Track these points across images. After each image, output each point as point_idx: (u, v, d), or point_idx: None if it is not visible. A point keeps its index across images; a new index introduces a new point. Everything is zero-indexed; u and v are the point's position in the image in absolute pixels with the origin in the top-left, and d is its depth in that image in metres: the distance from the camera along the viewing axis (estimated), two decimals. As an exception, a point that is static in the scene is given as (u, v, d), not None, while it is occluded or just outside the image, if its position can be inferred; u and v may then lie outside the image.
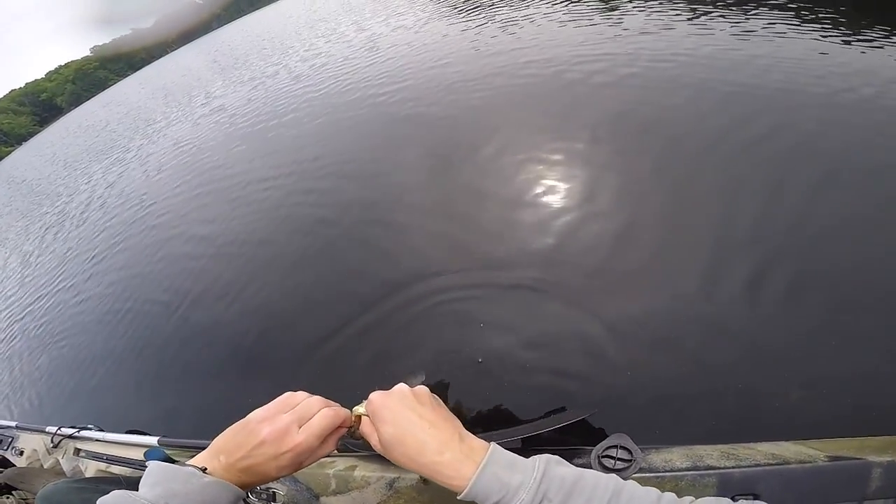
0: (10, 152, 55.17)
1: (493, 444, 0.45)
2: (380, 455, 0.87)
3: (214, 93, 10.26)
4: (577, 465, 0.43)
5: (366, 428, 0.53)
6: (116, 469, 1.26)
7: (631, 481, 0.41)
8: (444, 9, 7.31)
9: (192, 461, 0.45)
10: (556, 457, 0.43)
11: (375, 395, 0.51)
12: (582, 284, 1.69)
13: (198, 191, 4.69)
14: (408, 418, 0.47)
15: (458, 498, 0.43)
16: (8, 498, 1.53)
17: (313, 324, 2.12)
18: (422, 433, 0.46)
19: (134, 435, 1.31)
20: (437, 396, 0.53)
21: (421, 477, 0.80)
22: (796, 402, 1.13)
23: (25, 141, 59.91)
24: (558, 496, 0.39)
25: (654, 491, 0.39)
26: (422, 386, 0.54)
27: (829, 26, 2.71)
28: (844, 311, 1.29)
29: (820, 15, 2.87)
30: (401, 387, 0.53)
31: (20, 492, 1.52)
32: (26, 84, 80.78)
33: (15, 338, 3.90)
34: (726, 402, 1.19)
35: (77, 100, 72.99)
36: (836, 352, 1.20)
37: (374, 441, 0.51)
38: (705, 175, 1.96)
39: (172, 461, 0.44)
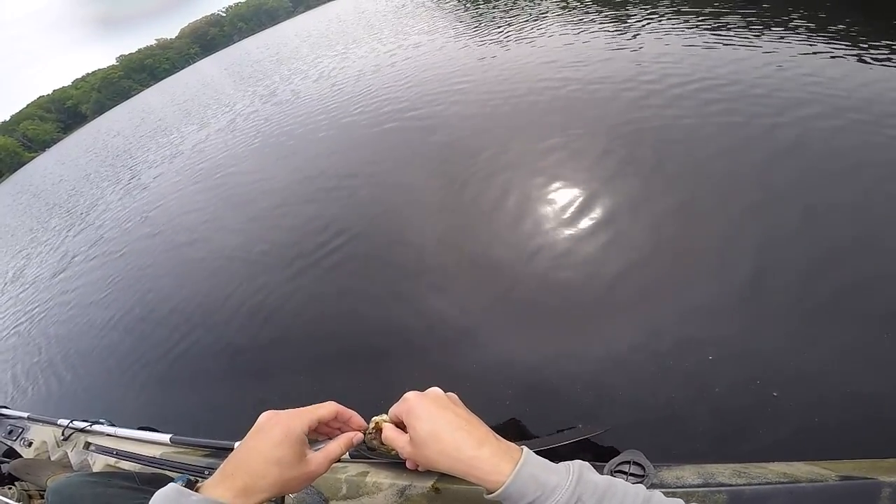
0: (32, 158, 56.18)
1: (524, 447, 0.46)
2: (393, 462, 0.89)
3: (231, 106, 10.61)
4: None
5: (390, 433, 0.53)
6: (126, 465, 1.27)
7: (657, 492, 0.41)
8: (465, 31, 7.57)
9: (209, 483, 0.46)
10: (587, 463, 0.44)
11: (411, 394, 0.52)
12: (596, 303, 1.71)
13: (213, 197, 4.81)
14: (444, 416, 0.48)
15: (490, 497, 0.43)
16: (10, 489, 1.51)
17: (323, 329, 2.15)
18: (459, 430, 0.47)
19: (146, 431, 1.32)
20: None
21: (433, 486, 0.80)
22: (810, 424, 1.13)
23: (49, 147, 61.24)
24: (592, 499, 0.40)
25: (680, 502, 0.40)
26: (451, 392, 0.55)
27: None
28: (860, 333, 1.29)
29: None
30: (435, 389, 0.54)
31: (22, 483, 1.52)
32: (53, 91, 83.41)
33: (35, 331, 3.96)
34: (739, 422, 1.18)
35: (101, 108, 75.10)
36: (852, 374, 1.20)
37: (400, 444, 0.51)
38: (719, 193, 1.97)
39: (192, 485, 0.46)
